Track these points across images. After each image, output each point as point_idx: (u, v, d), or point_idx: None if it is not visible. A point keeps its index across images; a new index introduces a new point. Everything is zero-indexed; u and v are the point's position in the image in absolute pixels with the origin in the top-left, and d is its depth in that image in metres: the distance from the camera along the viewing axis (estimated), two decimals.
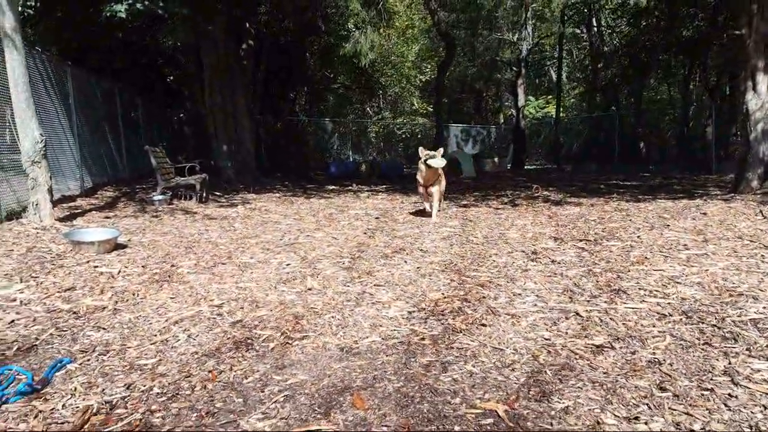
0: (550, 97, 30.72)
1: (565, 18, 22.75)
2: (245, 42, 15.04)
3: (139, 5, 10.16)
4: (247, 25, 15.04)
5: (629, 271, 4.44)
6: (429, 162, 7.23)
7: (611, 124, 22.36)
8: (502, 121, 32.16)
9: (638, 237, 5.85)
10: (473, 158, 19.66)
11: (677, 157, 19.57)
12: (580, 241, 5.79)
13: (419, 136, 27.88)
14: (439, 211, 7.81)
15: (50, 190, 7.00)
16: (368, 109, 30.23)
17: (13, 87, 6.80)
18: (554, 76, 28.35)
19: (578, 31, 26.39)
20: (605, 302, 3.65)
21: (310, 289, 4.15)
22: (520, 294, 3.93)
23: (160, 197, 9.46)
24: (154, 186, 10.59)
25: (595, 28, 24.13)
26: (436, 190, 7.52)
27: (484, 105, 33.15)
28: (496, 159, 22.06)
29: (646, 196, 9.86)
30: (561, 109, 25.13)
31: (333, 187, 14.08)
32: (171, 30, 13.10)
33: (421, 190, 7.78)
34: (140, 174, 14.40)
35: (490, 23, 24.15)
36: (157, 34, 15.97)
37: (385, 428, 2.13)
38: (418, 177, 7.66)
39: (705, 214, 7.23)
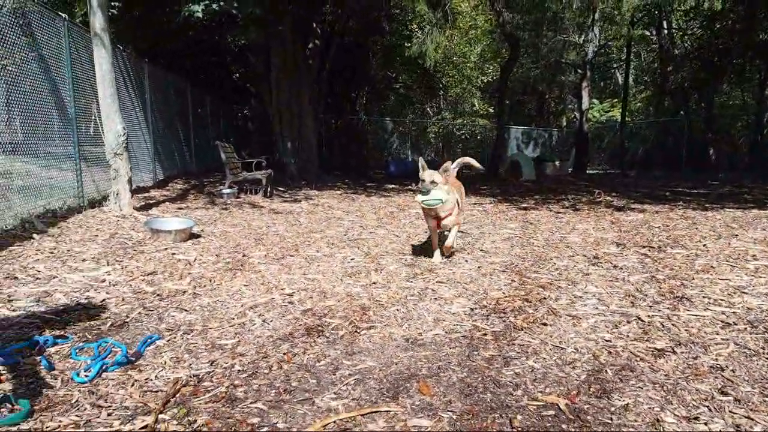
0: (616, 100, 29.91)
1: (635, 20, 22.12)
2: (311, 42, 15.40)
3: (214, 5, 10.62)
4: (314, 25, 15.39)
5: (693, 279, 4.39)
6: (421, 198, 4.68)
7: (680, 129, 21.62)
8: (565, 124, 31.60)
9: (704, 246, 5.73)
10: (534, 161, 19.47)
11: (749, 165, 18.74)
12: (643, 247, 5.73)
13: (479, 137, 27.78)
14: (447, 254, 5.18)
15: (130, 181, 7.47)
16: (428, 109, 30.32)
17: (100, 83, 7.29)
18: (620, 79, 27.60)
19: (647, 33, 25.59)
20: (668, 308, 3.64)
21: (374, 283, 4.32)
22: (581, 297, 3.96)
23: (228, 191, 9.89)
24: (220, 180, 11.07)
25: (666, 31, 23.35)
26: (450, 222, 4.97)
27: (547, 107, 32.62)
28: (557, 162, 21.72)
29: (714, 205, 9.55)
30: (627, 113, 24.41)
31: (392, 186, 14.26)
32: (243, 30, 13.58)
33: (429, 222, 5.06)
34: (207, 168, 15.06)
35: (555, 25, 23.76)
36: (226, 33, 16.58)
37: (450, 413, 2.26)
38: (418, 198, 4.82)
39: None
